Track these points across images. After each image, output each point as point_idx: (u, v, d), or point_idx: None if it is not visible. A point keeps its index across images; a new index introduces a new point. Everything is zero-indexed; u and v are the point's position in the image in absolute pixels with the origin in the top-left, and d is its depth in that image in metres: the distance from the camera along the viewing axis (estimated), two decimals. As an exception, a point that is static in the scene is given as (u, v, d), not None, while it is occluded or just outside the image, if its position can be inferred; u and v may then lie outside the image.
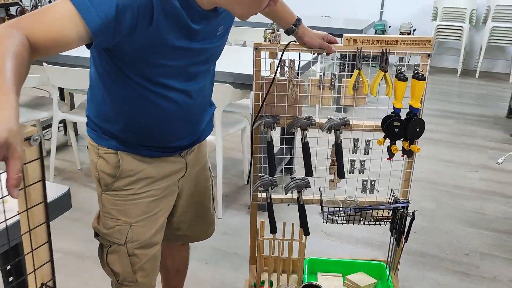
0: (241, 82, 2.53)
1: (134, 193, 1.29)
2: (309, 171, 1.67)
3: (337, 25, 4.78)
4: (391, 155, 1.63)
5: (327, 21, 5.19)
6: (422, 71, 1.57)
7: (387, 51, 1.56)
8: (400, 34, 6.30)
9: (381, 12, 6.53)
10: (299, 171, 1.74)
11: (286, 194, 1.71)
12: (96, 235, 1.38)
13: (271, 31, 1.60)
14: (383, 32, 6.42)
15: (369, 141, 1.67)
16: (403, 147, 1.63)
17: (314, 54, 1.59)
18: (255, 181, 1.73)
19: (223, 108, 2.57)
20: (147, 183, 1.31)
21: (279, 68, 1.58)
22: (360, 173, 1.73)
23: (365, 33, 4.68)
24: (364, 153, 1.69)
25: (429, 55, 1.57)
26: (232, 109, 3.14)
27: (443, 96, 5.22)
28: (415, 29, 6.33)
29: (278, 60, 1.58)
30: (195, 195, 1.51)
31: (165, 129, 1.26)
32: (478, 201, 3.01)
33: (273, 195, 1.75)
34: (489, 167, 3.49)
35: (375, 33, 6.42)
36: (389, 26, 6.53)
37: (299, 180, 1.69)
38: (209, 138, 2.69)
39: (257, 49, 1.61)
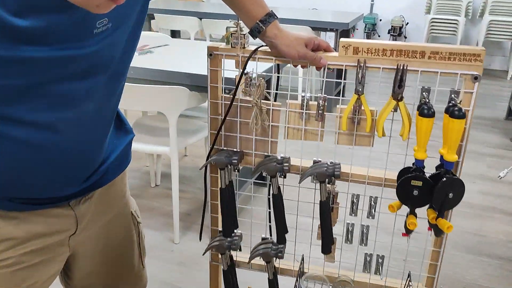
0: (200, 85, 2.13)
1: None
2: (281, 237, 1.20)
3: (324, 18, 4.34)
4: (407, 230, 1.11)
5: (313, 14, 4.77)
6: (460, 102, 1.03)
7: (405, 67, 1.02)
8: (391, 28, 5.92)
9: (372, 5, 6.14)
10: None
11: (249, 262, 1.26)
12: None
13: (234, 29, 1.11)
14: (373, 26, 6.03)
15: (375, 199, 1.17)
16: (428, 219, 1.10)
17: (295, 67, 1.12)
18: (213, 237, 1.29)
19: (180, 113, 2.16)
20: (7, 247, 0.87)
21: (239, 85, 1.14)
22: (361, 245, 1.23)
23: (353, 27, 4.28)
24: (368, 217, 1.18)
25: (476, 78, 1.02)
26: (195, 113, 2.75)
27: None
28: (407, 23, 5.95)
29: (240, 73, 1.12)
30: (106, 251, 1.08)
31: (22, 180, 0.82)
32: (477, 220, 2.63)
33: (238, 256, 1.32)
34: (488, 177, 3.13)
35: (365, 27, 6.04)
36: (380, 20, 6.15)
37: (269, 246, 1.20)
38: (163, 149, 2.33)
39: (211, 55, 1.13)
